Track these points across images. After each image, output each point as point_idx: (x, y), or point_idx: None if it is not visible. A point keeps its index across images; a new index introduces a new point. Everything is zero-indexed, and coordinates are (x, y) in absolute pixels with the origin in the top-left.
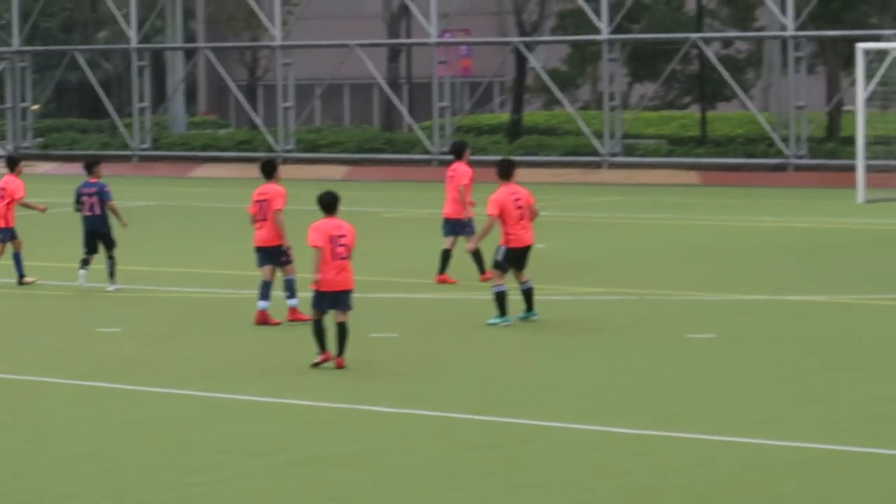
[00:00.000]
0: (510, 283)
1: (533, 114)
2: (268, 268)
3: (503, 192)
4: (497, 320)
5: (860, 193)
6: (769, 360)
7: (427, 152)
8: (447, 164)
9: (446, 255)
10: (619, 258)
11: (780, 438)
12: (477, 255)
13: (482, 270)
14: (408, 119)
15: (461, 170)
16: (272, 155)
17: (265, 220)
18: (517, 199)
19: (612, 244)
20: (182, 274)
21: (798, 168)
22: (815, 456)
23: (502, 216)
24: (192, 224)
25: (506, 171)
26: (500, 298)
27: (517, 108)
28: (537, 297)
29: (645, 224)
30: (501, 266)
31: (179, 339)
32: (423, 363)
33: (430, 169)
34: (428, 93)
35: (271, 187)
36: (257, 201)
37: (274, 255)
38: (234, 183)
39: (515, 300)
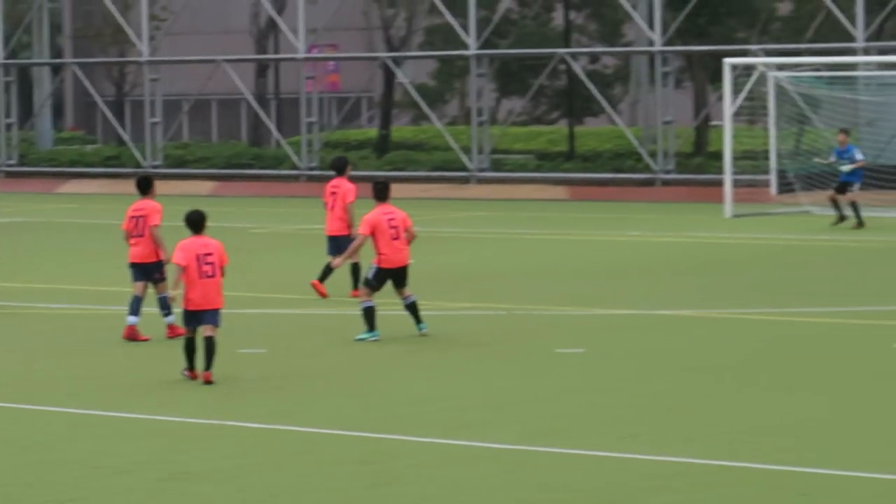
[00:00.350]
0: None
1: (401, 129)
2: (141, 284)
3: (377, 212)
4: (365, 335)
5: (728, 208)
6: (638, 374)
7: (295, 168)
8: (315, 179)
9: (356, 268)
10: (487, 273)
11: (648, 453)
12: (356, 271)
13: (355, 286)
14: (276, 134)
15: (345, 186)
16: (149, 171)
17: (141, 236)
18: (391, 220)
19: (481, 259)
20: (51, 290)
21: (666, 183)
22: (683, 470)
23: (375, 236)
24: (60, 240)
25: (381, 193)
26: (368, 314)
27: (385, 123)
28: (402, 312)
29: (513, 239)
30: (371, 284)
31: (48, 355)
32: (292, 379)
33: (299, 184)
34: (296, 108)
35: (147, 203)
36: (132, 217)
37: (149, 272)
38: (101, 199)
39: (386, 316)
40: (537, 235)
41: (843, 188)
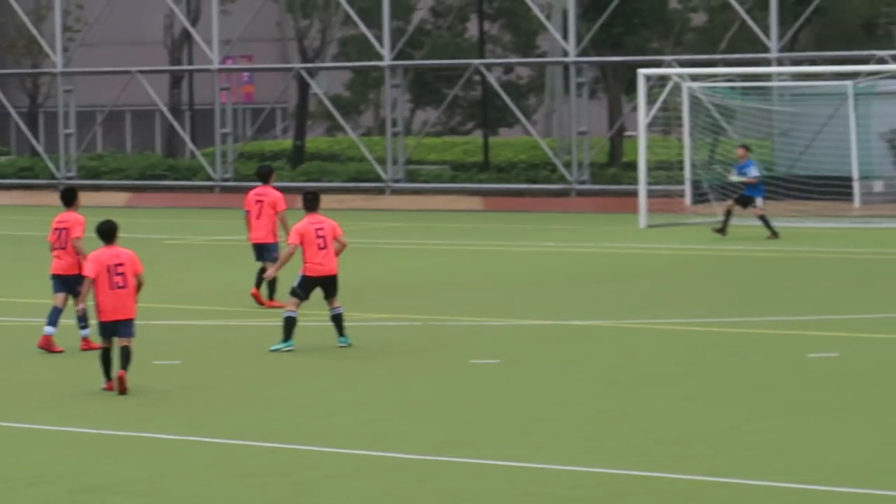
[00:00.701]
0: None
1: (316, 140)
2: (61, 295)
3: (305, 222)
4: (280, 345)
5: (642, 219)
6: (552, 384)
7: (210, 179)
8: (230, 190)
9: (270, 280)
10: (402, 284)
11: (563, 463)
12: (272, 282)
13: (270, 297)
14: (190, 145)
15: (273, 194)
16: (73, 183)
17: (64, 248)
18: (319, 229)
19: (396, 270)
20: None
21: (580, 193)
22: (598, 481)
23: (303, 245)
24: None
25: (311, 203)
26: (287, 324)
27: (300, 134)
28: (326, 324)
29: (428, 250)
30: (296, 293)
31: None
32: (207, 390)
33: (213, 195)
34: (211, 119)
35: (70, 215)
36: (56, 229)
37: (70, 284)
38: (15, 210)
39: (305, 326)
40: (452, 246)
41: (744, 202)
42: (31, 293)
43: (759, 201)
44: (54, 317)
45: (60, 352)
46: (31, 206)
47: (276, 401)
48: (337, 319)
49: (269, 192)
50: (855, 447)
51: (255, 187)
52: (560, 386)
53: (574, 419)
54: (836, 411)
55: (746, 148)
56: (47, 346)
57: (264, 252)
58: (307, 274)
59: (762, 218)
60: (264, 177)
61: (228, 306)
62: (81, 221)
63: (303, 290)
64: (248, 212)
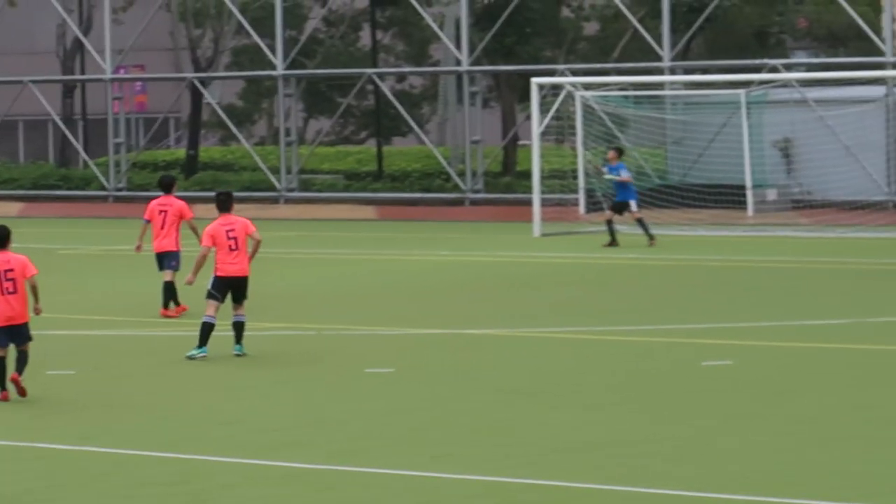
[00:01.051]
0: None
1: (209, 149)
2: None
3: (216, 224)
4: (194, 352)
5: (536, 227)
6: (449, 393)
7: (103, 188)
8: (123, 200)
9: (170, 287)
10: (297, 293)
11: (460, 472)
12: (170, 292)
13: (165, 305)
14: (83, 155)
15: (177, 203)
16: None
17: None
18: (230, 231)
19: (290, 279)
20: None
21: (474, 202)
22: (495, 489)
23: (216, 246)
24: None
25: (223, 204)
26: (204, 329)
27: (193, 143)
28: (217, 333)
29: (322, 259)
30: (212, 295)
31: None
32: (102, 399)
33: (106, 205)
34: (103, 129)
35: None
36: None
37: None
38: None
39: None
40: (346, 255)
41: (619, 208)
42: None
43: (633, 205)
44: None
45: None
46: None
47: (172, 410)
48: (238, 327)
49: (172, 202)
50: (752, 455)
51: (157, 197)
52: (456, 395)
53: (470, 428)
54: (732, 419)
55: (619, 151)
56: None
57: (168, 261)
58: (218, 275)
59: (640, 222)
60: (167, 186)
61: (123, 316)
62: None
63: (217, 292)
64: (148, 221)
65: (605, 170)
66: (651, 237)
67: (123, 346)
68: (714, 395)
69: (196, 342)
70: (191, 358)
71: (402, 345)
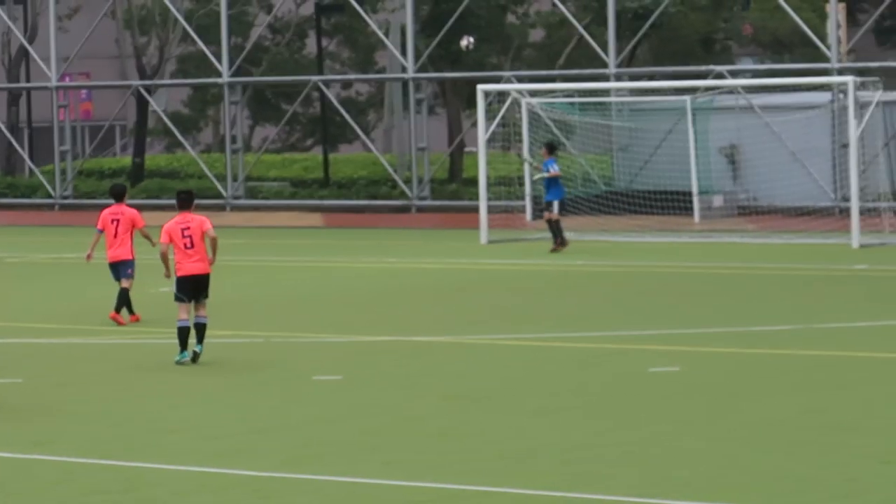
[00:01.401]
0: None
1: (155, 157)
2: None
3: (173, 222)
4: (179, 357)
5: (483, 234)
6: (397, 400)
7: (49, 196)
8: (69, 208)
9: (125, 294)
10: (244, 301)
11: (409, 479)
12: (123, 294)
13: (117, 310)
14: (29, 163)
15: (129, 212)
16: None
17: None
18: (185, 229)
19: (238, 287)
20: None
21: (421, 209)
22: (445, 496)
23: (173, 245)
24: None
25: (183, 203)
26: (179, 334)
27: (139, 151)
28: (162, 341)
29: (269, 267)
30: (178, 297)
31: None
32: (51, 407)
33: (53, 213)
34: (49, 136)
35: None
36: None
37: None
38: None
39: (148, 343)
40: (293, 263)
41: (549, 208)
42: None
43: (555, 206)
44: None
45: None
46: None
47: (121, 418)
48: (199, 328)
49: (124, 210)
50: (699, 461)
51: (108, 206)
52: (404, 402)
53: (418, 435)
54: (680, 425)
55: (550, 147)
56: None
57: (124, 269)
58: (178, 275)
59: (555, 224)
60: (118, 195)
61: (71, 324)
62: None
63: (181, 293)
64: (101, 231)
65: (542, 168)
66: (559, 242)
67: (71, 354)
68: (661, 401)
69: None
70: (178, 363)
71: (350, 352)
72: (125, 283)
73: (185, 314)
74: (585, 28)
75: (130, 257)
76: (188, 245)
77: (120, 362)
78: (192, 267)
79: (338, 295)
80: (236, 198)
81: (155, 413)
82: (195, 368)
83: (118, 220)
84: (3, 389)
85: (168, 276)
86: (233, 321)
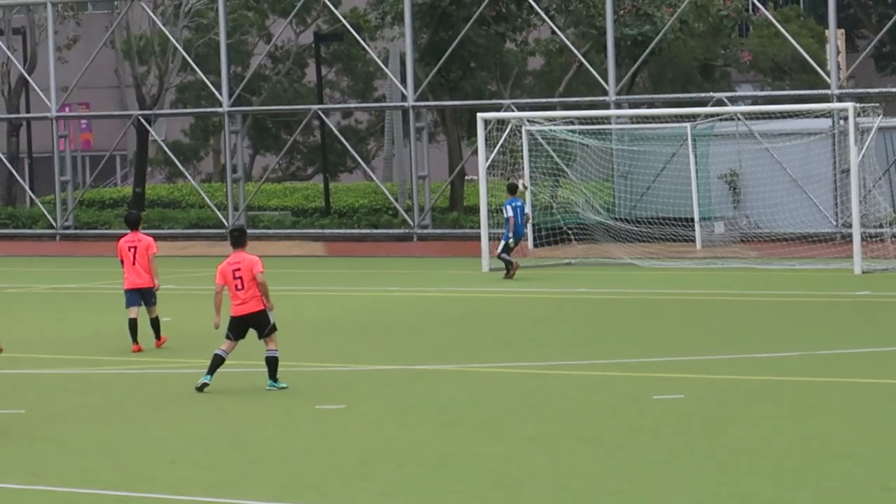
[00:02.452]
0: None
1: (156, 187)
2: None
3: (225, 262)
4: (202, 378)
5: (485, 262)
6: (397, 429)
7: (50, 227)
8: (70, 238)
9: (135, 325)
10: None
11: None
12: (156, 323)
13: (158, 336)
14: (29, 193)
15: (145, 240)
16: None
17: None
18: (236, 269)
19: None
20: None
21: (422, 238)
22: None
23: (226, 285)
24: None
25: (235, 241)
26: (213, 359)
27: (140, 181)
28: (167, 371)
29: (272, 296)
30: (227, 335)
31: None
32: (48, 438)
33: (54, 244)
34: (50, 167)
35: None
36: None
37: None
38: None
39: (140, 373)
40: (295, 292)
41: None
42: None
43: (501, 244)
44: None
45: None
46: None
47: (119, 448)
48: (268, 363)
49: (140, 238)
50: (698, 488)
51: (124, 235)
52: (404, 430)
53: (418, 463)
54: (680, 452)
55: (511, 188)
56: None
57: (148, 297)
58: (231, 314)
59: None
60: (134, 223)
61: (72, 354)
62: None
63: (230, 331)
64: (122, 261)
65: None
66: (508, 271)
67: (72, 385)
68: (663, 428)
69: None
70: (198, 387)
71: (352, 380)
72: (153, 312)
73: (227, 347)
74: (585, 55)
75: (151, 285)
76: (239, 287)
77: (120, 392)
78: (241, 308)
79: (339, 324)
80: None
81: (154, 443)
82: (196, 398)
83: (135, 248)
84: (3, 419)
85: (217, 325)
86: (235, 350)
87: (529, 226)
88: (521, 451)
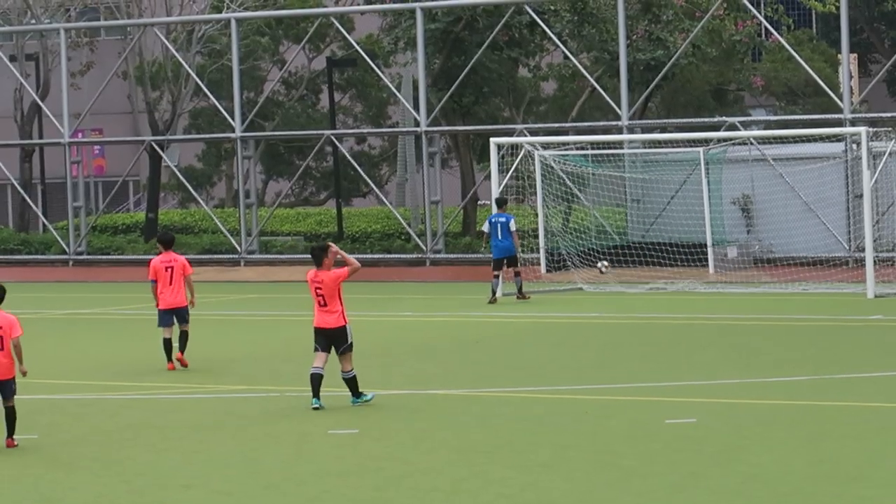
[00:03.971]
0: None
1: (169, 212)
2: None
3: (309, 277)
4: (312, 403)
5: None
6: (411, 454)
7: (63, 252)
8: (83, 263)
9: (169, 344)
10: (257, 355)
11: None
12: (185, 337)
13: (182, 349)
14: (43, 219)
15: (180, 259)
16: None
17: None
18: (318, 288)
19: (251, 341)
20: None
21: (435, 263)
22: None
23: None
24: None
25: (316, 259)
26: (312, 381)
27: (153, 206)
28: (182, 396)
29: (284, 320)
30: (315, 348)
31: None
32: (61, 463)
33: (67, 269)
34: (62, 192)
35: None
36: None
37: None
38: None
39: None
40: (308, 317)
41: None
42: None
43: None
44: None
45: None
46: None
47: (133, 473)
48: (347, 383)
49: (175, 258)
50: None
51: (158, 255)
52: (417, 455)
53: (431, 489)
54: (691, 477)
55: (499, 202)
56: None
57: (184, 315)
58: (314, 326)
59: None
60: (168, 243)
61: (86, 379)
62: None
63: (316, 343)
64: (154, 281)
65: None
66: (493, 299)
67: (85, 409)
68: (675, 453)
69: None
70: (314, 409)
71: (365, 406)
72: (185, 327)
73: (320, 362)
74: (597, 80)
75: (186, 304)
76: (322, 303)
77: (134, 417)
78: (321, 320)
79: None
80: (250, 252)
81: (168, 468)
82: (210, 423)
83: (172, 268)
84: (18, 445)
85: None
86: (247, 376)
87: (542, 251)
88: (537, 476)
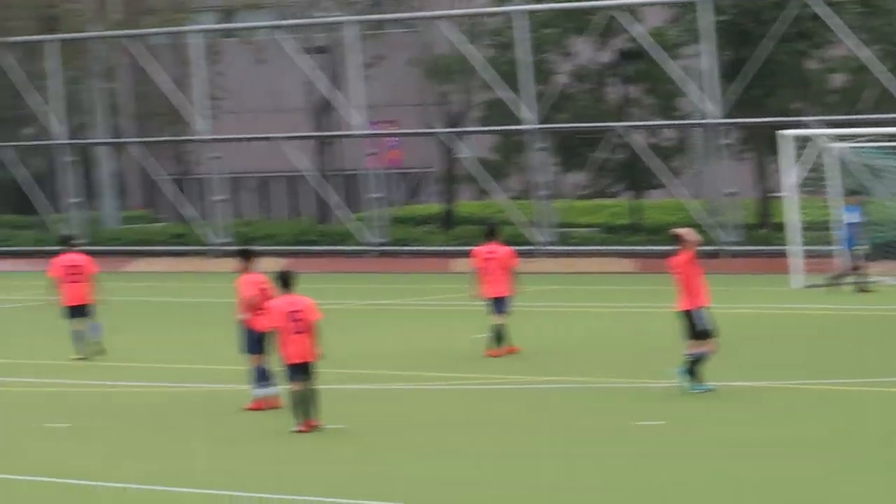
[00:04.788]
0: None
1: (468, 204)
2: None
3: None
4: (698, 388)
5: (794, 279)
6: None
7: (362, 243)
8: (386, 254)
9: (500, 329)
10: (563, 346)
11: None
12: (501, 331)
13: (497, 345)
14: (336, 211)
15: (503, 250)
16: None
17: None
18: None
19: (555, 332)
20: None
21: (731, 255)
22: None
23: None
24: (133, 318)
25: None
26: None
27: (449, 197)
28: (500, 387)
29: (582, 312)
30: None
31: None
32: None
33: (367, 260)
34: (358, 184)
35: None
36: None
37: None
38: (169, 277)
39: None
40: (607, 308)
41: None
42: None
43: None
44: (261, 376)
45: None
46: (182, 272)
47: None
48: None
49: (498, 248)
50: None
51: (481, 245)
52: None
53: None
54: None
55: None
56: (260, 406)
57: (502, 305)
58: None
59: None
60: (492, 234)
61: (394, 370)
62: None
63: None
64: (476, 269)
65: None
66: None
67: (394, 398)
68: None
69: None
70: (699, 391)
71: (670, 396)
72: (500, 319)
73: (698, 346)
74: (890, 70)
75: (508, 293)
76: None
77: (478, 405)
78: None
79: (649, 340)
80: (548, 244)
81: (500, 458)
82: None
83: (494, 258)
84: (332, 434)
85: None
86: (554, 366)
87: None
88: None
